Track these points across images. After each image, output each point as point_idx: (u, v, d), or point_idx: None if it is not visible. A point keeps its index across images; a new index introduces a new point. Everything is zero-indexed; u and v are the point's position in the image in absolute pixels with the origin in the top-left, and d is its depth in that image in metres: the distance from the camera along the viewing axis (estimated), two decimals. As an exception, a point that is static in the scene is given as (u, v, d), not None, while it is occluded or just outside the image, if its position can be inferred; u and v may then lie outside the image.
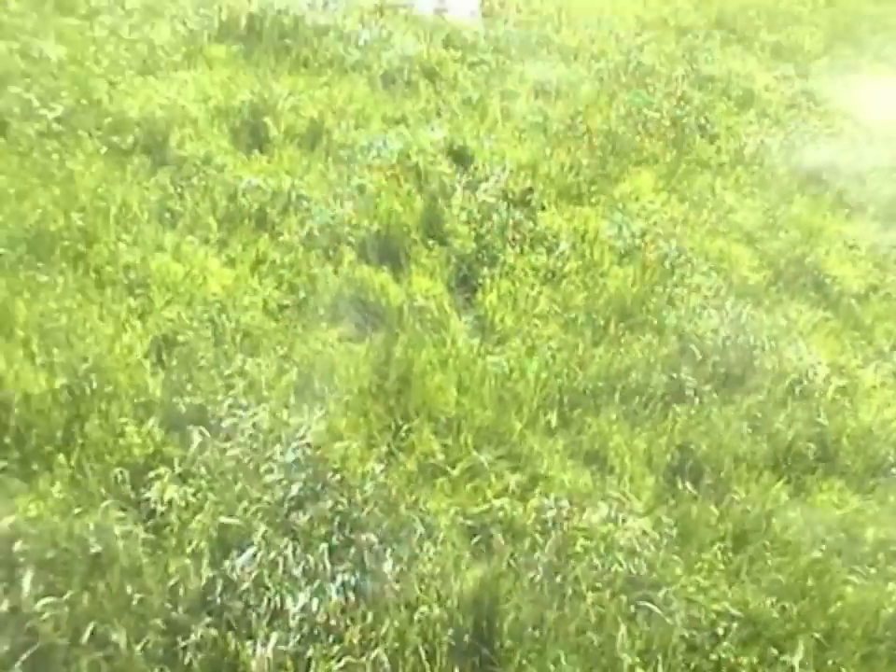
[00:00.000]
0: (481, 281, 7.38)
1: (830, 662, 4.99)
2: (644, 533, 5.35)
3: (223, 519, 4.87)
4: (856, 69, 13.24)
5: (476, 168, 8.84)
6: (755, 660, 4.91)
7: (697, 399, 6.56)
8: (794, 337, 7.38)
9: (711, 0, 15.71)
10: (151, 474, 5.02)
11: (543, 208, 8.50)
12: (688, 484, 5.85)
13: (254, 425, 5.41)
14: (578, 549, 5.15)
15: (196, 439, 5.25)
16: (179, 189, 7.60)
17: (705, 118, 10.97)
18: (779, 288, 8.10)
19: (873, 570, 5.53)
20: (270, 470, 5.18)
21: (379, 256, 7.38)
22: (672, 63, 12.55)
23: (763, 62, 13.35)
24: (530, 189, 8.61)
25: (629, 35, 13.32)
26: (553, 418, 6.15)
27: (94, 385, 5.43)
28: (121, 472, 4.98)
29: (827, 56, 13.76)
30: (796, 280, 8.24)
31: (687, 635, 4.93)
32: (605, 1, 15.05)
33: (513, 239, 7.88)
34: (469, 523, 5.30)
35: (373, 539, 4.93)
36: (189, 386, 5.60)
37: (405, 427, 5.79)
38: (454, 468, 5.58)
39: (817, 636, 5.06)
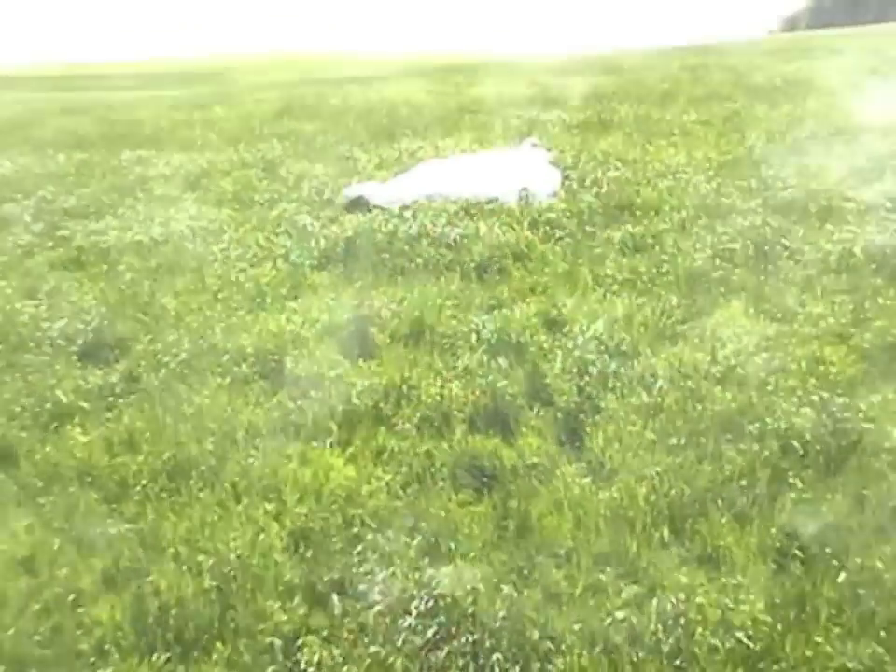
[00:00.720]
0: (588, 430, 7.75)
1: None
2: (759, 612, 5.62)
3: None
4: None
5: (571, 330, 9.28)
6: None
7: (801, 485, 6.88)
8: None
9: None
10: (299, 642, 5.52)
11: (639, 353, 8.87)
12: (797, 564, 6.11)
13: (388, 586, 5.85)
14: (697, 637, 5.43)
15: (337, 606, 5.72)
16: (299, 404, 8.17)
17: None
18: (874, 375, 8.28)
19: None
20: (407, 621, 5.60)
21: (488, 425, 7.87)
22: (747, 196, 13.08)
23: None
24: (623, 339, 9.02)
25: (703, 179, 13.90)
26: (665, 532, 6.48)
27: (239, 580, 6.03)
28: (272, 644, 5.49)
29: None
30: (891, 365, 8.40)
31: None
32: (681, 152, 15.75)
33: (613, 387, 8.26)
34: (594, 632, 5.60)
35: (505, 663, 5.29)
36: (325, 567, 6.11)
37: (528, 566, 6.18)
38: (575, 587, 5.90)
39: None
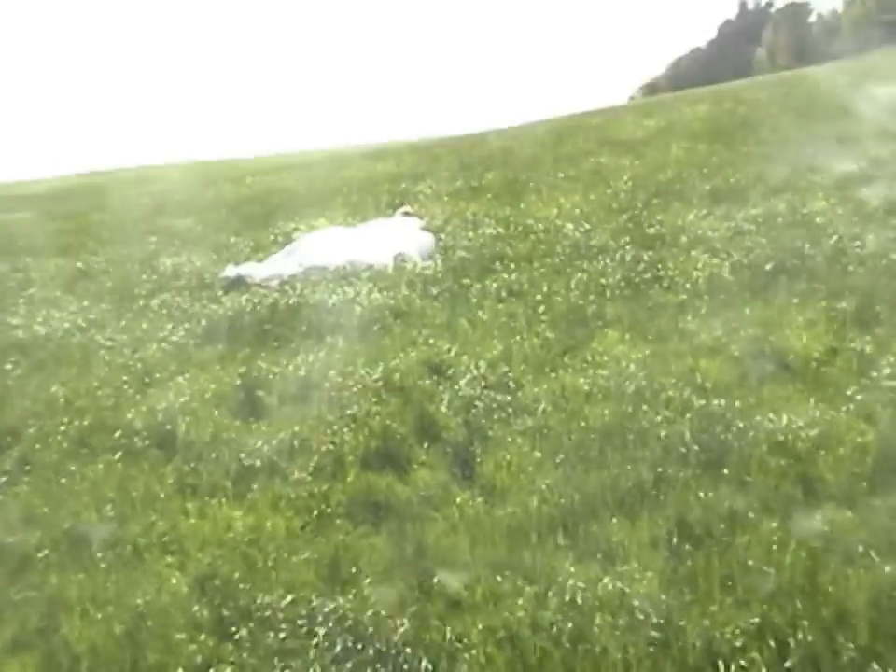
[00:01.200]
0: (478, 458, 8.01)
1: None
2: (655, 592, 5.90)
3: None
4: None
5: (454, 373, 9.55)
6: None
7: (685, 479, 7.21)
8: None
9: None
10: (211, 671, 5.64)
11: (522, 385, 9.17)
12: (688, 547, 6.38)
13: (294, 613, 6.00)
14: (597, 621, 5.67)
15: (245, 635, 5.86)
16: (193, 466, 8.31)
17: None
18: (747, 378, 8.77)
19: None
20: (316, 644, 5.77)
21: (381, 464, 8.06)
22: (616, 236, 13.60)
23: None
24: (505, 373, 9.32)
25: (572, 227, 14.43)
26: (560, 537, 6.75)
27: (148, 623, 6.18)
28: (184, 672, 5.64)
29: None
30: (762, 367, 8.90)
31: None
32: (550, 206, 16.33)
33: (499, 417, 8.54)
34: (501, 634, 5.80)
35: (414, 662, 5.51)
36: (231, 601, 6.24)
37: (427, 582, 6.38)
38: (473, 594, 6.12)
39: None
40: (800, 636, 5.49)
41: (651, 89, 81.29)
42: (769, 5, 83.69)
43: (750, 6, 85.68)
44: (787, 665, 5.37)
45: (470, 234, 15.04)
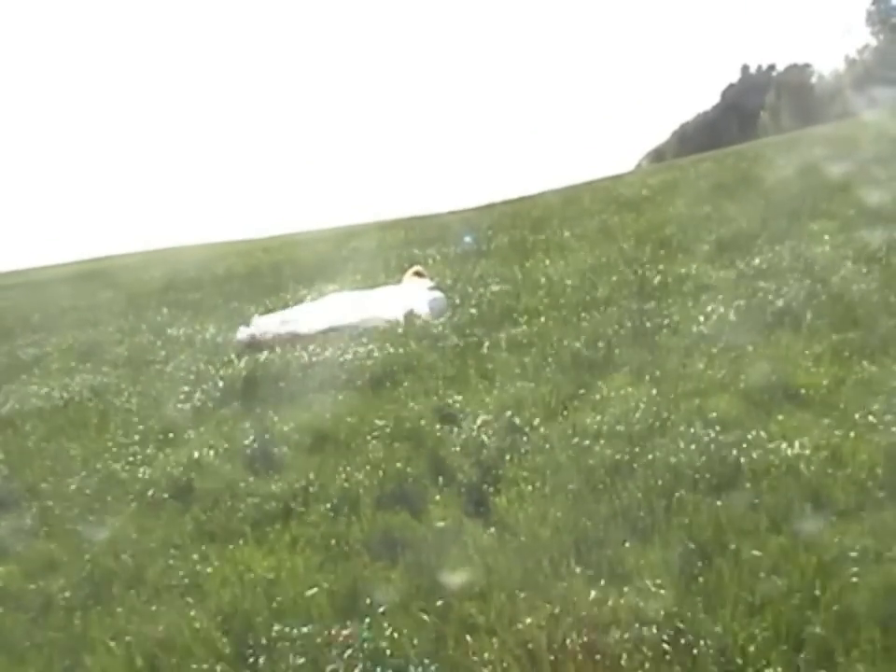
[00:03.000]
0: (491, 496, 8.11)
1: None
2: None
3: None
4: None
5: (465, 418, 9.68)
6: None
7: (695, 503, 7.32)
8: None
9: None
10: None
11: (533, 427, 9.29)
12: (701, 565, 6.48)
13: (312, 640, 6.13)
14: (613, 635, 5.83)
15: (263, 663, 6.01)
16: (211, 514, 8.43)
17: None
18: (755, 411, 8.91)
19: None
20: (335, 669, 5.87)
21: (396, 504, 8.16)
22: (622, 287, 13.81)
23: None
24: (515, 417, 9.47)
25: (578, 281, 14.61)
26: (573, 563, 6.85)
27: (169, 655, 6.29)
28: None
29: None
30: (770, 400, 9.05)
31: None
32: (557, 263, 16.52)
33: (510, 458, 8.67)
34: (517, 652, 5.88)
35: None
36: (251, 634, 6.39)
37: (444, 607, 6.50)
38: (488, 616, 6.26)
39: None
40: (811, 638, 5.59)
41: (658, 155, 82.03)
42: (771, 68, 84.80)
43: (752, 69, 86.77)
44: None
45: (480, 291, 15.23)
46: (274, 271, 22.81)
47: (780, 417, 8.69)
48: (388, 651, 6.04)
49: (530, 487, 8.11)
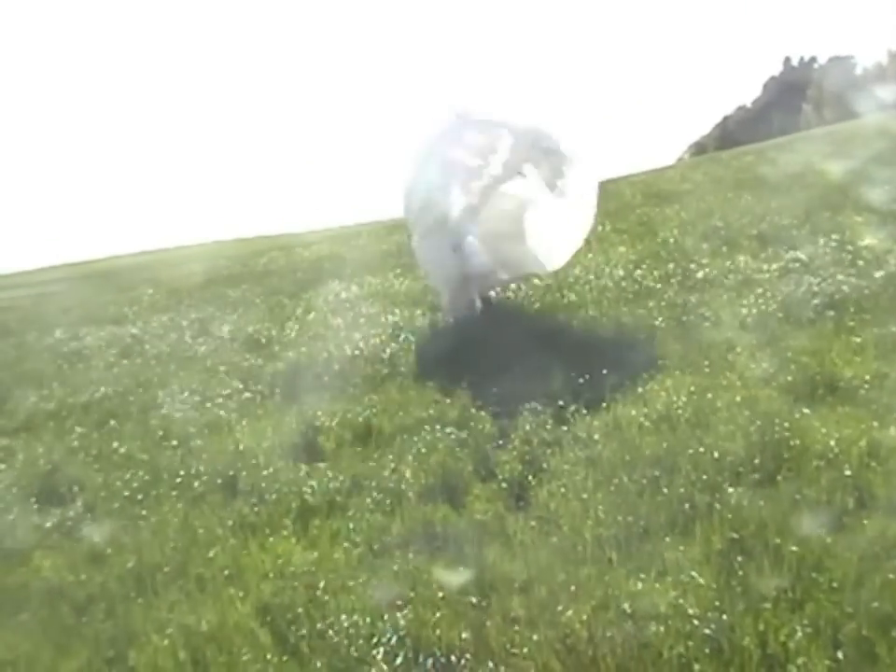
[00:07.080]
0: (532, 488, 8.12)
1: None
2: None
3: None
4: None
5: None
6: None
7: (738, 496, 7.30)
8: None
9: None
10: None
11: (576, 418, 9.27)
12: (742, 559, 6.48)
13: (355, 630, 6.17)
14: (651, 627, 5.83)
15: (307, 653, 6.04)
16: (254, 507, 8.48)
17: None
18: (798, 403, 8.90)
19: None
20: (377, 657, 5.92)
21: (438, 497, 8.19)
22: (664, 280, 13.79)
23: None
24: (557, 409, 9.47)
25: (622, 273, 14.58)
26: (614, 555, 6.84)
27: (213, 647, 6.37)
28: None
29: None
30: (813, 391, 9.05)
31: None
32: (598, 256, 16.47)
33: (553, 451, 8.68)
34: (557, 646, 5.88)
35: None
36: (294, 625, 6.46)
37: (485, 599, 6.52)
38: (531, 610, 6.30)
39: None
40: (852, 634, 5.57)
41: (700, 148, 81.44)
42: (813, 60, 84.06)
43: (794, 61, 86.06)
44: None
45: (521, 285, 15.20)
46: (314, 268, 22.76)
47: (823, 411, 8.63)
48: (429, 643, 6.05)
49: (571, 479, 8.10)
